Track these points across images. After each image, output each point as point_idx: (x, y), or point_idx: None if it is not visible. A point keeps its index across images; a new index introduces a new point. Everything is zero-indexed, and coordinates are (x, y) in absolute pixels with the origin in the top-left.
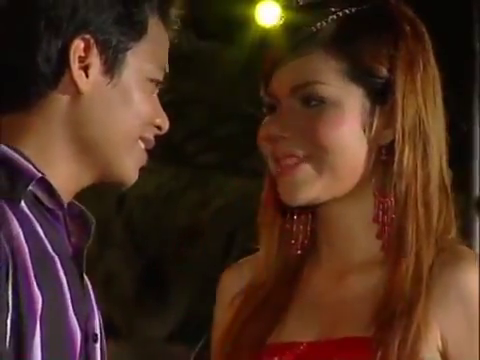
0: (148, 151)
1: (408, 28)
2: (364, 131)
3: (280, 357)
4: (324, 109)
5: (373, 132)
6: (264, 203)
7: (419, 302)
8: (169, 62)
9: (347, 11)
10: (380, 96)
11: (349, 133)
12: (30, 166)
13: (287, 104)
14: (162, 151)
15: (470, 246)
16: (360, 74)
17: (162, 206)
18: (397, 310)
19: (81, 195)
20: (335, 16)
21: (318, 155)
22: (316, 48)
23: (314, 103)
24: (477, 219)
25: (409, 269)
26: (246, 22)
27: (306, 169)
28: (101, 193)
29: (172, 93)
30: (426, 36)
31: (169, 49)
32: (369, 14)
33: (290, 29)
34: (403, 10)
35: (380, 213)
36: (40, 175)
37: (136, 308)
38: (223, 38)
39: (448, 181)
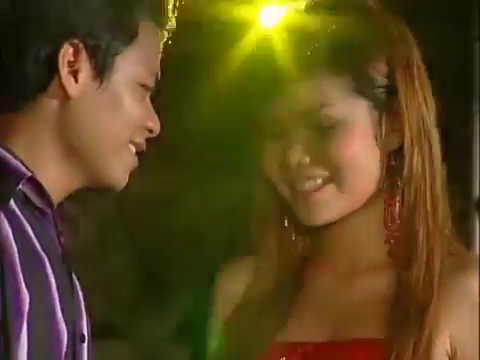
0: (149, 151)
1: (396, 31)
2: (376, 141)
3: (288, 357)
4: (338, 130)
5: (383, 140)
6: (262, 215)
7: (431, 304)
8: (169, 62)
9: (334, 27)
10: (384, 104)
11: (364, 148)
12: (20, 165)
13: (298, 130)
14: (162, 151)
15: (470, 246)
16: (364, 86)
17: (162, 206)
18: (410, 312)
19: (81, 195)
20: (329, 30)
21: (339, 175)
22: (318, 69)
23: (327, 126)
24: (477, 219)
25: (421, 271)
26: (247, 24)
27: (329, 190)
28: (101, 193)
29: (173, 93)
30: (411, 36)
31: (169, 49)
32: (359, 24)
33: (286, 55)
34: (390, 16)
35: (390, 218)
36: (30, 174)
37: (136, 308)
38: (224, 39)
39: (445, 180)
